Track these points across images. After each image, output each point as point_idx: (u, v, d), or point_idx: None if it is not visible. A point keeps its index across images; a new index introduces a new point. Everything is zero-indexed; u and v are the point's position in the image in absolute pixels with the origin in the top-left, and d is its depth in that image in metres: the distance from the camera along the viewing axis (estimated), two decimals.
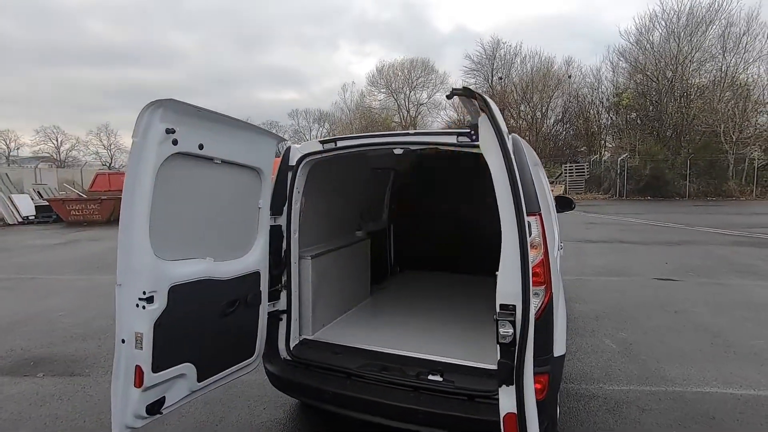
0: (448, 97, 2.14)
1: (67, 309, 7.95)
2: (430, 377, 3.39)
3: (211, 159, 3.00)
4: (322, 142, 3.87)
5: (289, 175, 3.92)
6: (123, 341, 2.60)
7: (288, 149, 3.97)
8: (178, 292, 2.77)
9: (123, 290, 2.60)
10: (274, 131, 3.62)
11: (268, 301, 3.79)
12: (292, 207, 3.90)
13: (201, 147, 2.83)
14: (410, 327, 4.53)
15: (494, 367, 3.52)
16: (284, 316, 3.96)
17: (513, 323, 2.04)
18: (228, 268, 3.22)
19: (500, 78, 46.70)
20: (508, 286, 2.09)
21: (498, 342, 2.05)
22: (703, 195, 31.38)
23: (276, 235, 3.86)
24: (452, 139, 3.38)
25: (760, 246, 12.85)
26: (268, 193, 3.59)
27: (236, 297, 3.26)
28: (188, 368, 2.91)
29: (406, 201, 6.89)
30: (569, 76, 44.04)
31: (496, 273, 3.45)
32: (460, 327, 4.50)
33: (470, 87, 2.07)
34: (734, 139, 32.38)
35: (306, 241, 4.37)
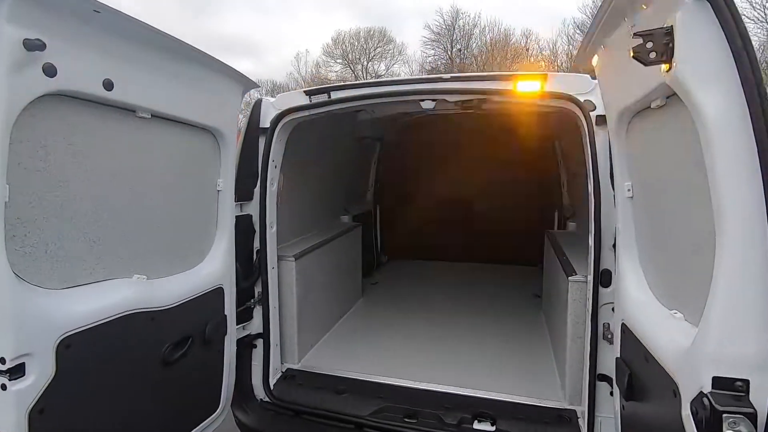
0: None
1: None
2: (477, 426, 2.41)
3: (131, 110, 1.75)
4: (309, 93, 2.66)
5: (262, 141, 2.70)
6: None
7: (258, 104, 2.74)
8: (77, 347, 1.55)
9: None
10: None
11: (237, 324, 2.65)
12: (267, 188, 2.70)
13: (109, 86, 1.58)
14: (426, 341, 3.50)
15: (562, 405, 2.64)
16: (260, 342, 2.82)
17: (752, 419, 1.04)
18: (171, 289, 2.02)
19: (460, 50, 45.69)
20: (735, 343, 1.09)
21: None
22: None
23: (245, 230, 2.67)
24: (507, 86, 2.32)
25: None
26: (232, 168, 2.38)
27: (188, 332, 2.08)
28: None
29: (395, 177, 5.78)
30: (527, 50, 43.81)
31: (577, 276, 2.51)
32: (493, 338, 3.51)
33: None
34: None
35: (285, 235, 3.19)
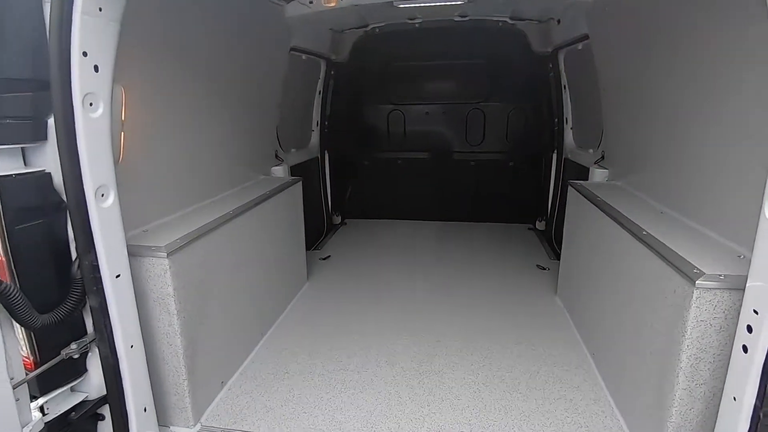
0: None
1: None
2: None
3: None
4: None
5: (48, 9, 1.22)
6: None
7: None
8: None
9: None
10: None
11: (57, 387, 1.35)
12: (81, 115, 1.26)
13: None
14: (402, 362, 2.26)
15: None
16: (108, 412, 1.52)
17: None
18: None
19: None
20: None
21: None
22: None
23: (36, 208, 1.28)
24: None
25: None
26: None
27: None
28: None
29: (350, 113, 4.35)
30: None
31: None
32: (503, 357, 2.32)
33: None
34: None
35: (149, 210, 1.81)
